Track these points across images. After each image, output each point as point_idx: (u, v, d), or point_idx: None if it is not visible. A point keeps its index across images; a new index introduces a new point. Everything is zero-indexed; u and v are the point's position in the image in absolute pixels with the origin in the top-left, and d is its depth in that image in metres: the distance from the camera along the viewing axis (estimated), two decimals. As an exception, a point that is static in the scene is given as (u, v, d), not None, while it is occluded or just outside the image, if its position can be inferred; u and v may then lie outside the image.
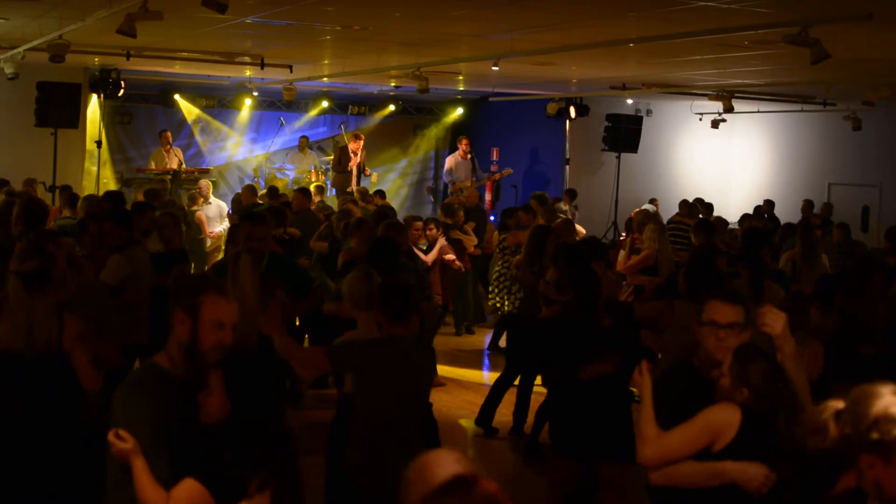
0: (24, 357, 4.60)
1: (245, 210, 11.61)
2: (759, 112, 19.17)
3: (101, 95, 16.49)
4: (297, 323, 9.70)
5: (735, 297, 4.23)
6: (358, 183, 17.46)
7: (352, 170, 17.82)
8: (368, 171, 18.46)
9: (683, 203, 14.24)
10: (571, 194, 16.89)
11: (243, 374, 3.88)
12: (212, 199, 15.04)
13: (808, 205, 17.79)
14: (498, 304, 10.63)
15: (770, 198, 18.16)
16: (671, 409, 3.97)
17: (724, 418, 3.79)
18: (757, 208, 16.51)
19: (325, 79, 16.39)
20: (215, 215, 14.80)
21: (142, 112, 18.92)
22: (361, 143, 18.17)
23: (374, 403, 4.88)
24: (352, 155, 17.92)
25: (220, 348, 3.57)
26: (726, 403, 3.81)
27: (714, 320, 4.09)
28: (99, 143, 16.72)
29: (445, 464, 2.43)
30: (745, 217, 14.56)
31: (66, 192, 11.46)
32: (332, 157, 18.81)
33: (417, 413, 5.12)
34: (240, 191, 14.76)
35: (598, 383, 5.69)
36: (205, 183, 15.44)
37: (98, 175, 16.73)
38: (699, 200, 15.51)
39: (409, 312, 5.03)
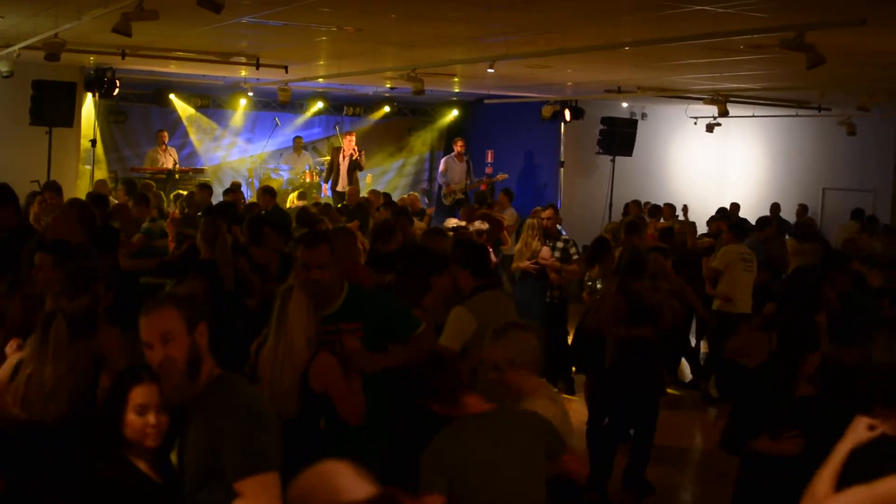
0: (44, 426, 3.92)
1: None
2: (753, 116, 19.19)
3: (96, 94, 16.45)
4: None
5: None
6: (349, 182, 17.46)
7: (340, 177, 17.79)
8: (360, 156, 18.20)
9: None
10: (509, 195, 16.09)
11: None
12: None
13: (802, 209, 17.87)
14: None
15: (766, 202, 18.30)
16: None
17: None
18: (722, 210, 16.55)
19: (320, 80, 16.38)
20: None
21: (136, 111, 18.91)
22: (353, 138, 18.16)
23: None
24: (341, 160, 17.89)
25: None
26: None
27: None
28: (93, 142, 16.69)
29: (355, 483, 2.37)
30: (712, 219, 14.71)
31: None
32: (327, 157, 18.86)
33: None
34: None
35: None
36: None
37: (92, 174, 16.70)
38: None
39: None
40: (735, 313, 10.21)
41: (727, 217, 15.60)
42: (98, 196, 9.83)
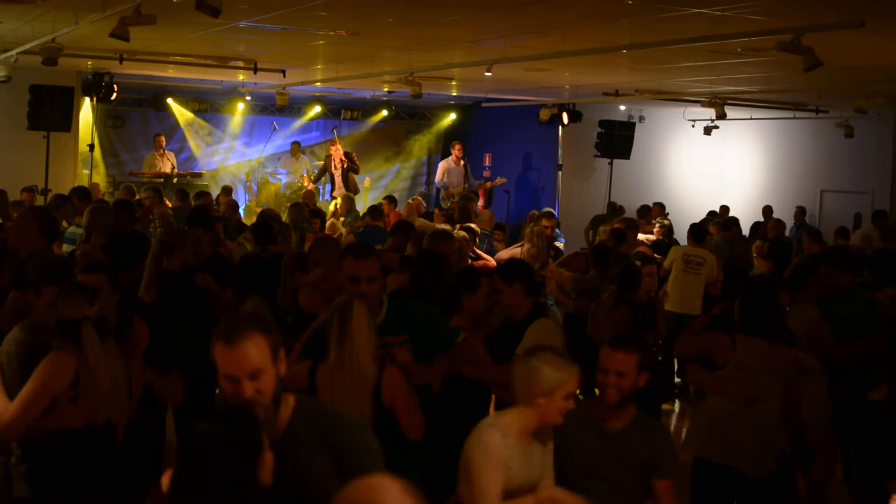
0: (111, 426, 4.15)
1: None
2: (751, 119, 19.21)
3: (94, 99, 16.45)
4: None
5: None
6: (346, 187, 17.45)
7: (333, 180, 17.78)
8: (351, 160, 18.16)
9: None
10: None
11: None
12: None
13: (800, 211, 17.86)
14: None
15: (764, 204, 18.34)
16: None
17: None
18: (711, 212, 16.58)
19: (317, 84, 16.38)
20: None
21: (134, 116, 18.90)
22: (339, 147, 18.08)
23: None
24: (333, 169, 17.85)
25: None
26: None
27: None
28: (91, 147, 16.68)
29: (401, 502, 2.35)
30: (710, 213, 14.73)
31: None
32: (322, 161, 18.85)
33: None
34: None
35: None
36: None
37: (90, 179, 16.69)
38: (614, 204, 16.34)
39: None
40: (669, 312, 10.32)
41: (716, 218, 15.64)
42: (124, 201, 9.80)
